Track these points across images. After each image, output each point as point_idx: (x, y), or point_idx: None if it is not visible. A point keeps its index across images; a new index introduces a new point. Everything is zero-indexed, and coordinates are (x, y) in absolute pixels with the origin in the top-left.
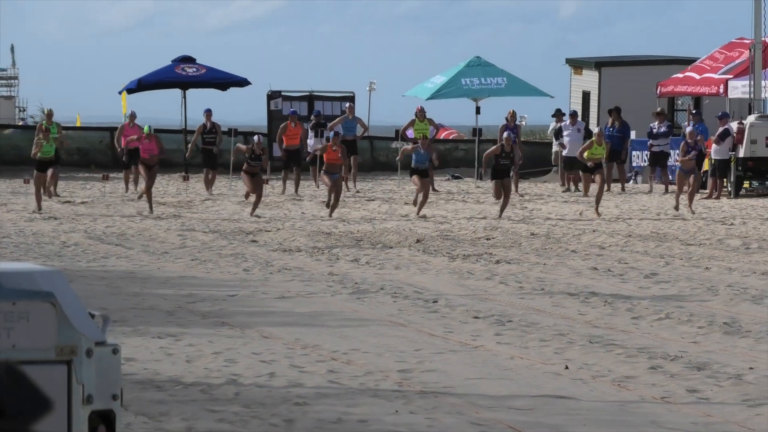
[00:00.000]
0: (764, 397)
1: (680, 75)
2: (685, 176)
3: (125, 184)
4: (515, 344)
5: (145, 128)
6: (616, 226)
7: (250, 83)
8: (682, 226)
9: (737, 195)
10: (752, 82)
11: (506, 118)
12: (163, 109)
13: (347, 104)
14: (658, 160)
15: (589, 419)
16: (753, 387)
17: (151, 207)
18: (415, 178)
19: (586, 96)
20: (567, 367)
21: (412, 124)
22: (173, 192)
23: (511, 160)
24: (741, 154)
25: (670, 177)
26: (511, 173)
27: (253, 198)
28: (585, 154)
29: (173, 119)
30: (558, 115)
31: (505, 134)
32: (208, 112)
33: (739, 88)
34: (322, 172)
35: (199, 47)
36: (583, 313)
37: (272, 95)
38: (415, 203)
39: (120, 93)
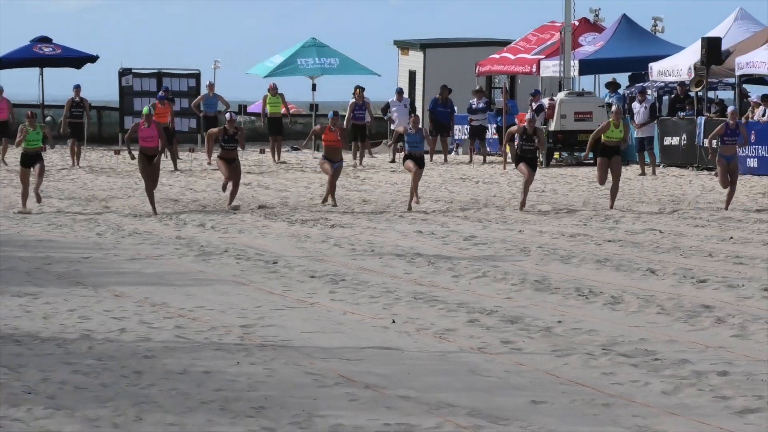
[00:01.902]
0: (571, 347)
1: (497, 56)
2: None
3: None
4: (347, 301)
5: (144, 109)
6: (439, 194)
7: (98, 57)
8: (498, 192)
9: (548, 165)
10: (562, 62)
11: (354, 95)
12: (21, 84)
13: (207, 82)
14: (477, 133)
15: (413, 368)
16: (561, 338)
17: (154, 209)
18: (408, 163)
19: (412, 75)
20: (394, 321)
21: (265, 99)
22: None
23: (534, 143)
24: (552, 127)
25: (488, 149)
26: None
27: (230, 189)
28: (602, 137)
29: (31, 95)
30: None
31: (528, 116)
32: (77, 88)
33: (550, 68)
34: (321, 158)
35: (57, 27)
36: (409, 272)
37: (123, 72)
38: (412, 194)
39: None
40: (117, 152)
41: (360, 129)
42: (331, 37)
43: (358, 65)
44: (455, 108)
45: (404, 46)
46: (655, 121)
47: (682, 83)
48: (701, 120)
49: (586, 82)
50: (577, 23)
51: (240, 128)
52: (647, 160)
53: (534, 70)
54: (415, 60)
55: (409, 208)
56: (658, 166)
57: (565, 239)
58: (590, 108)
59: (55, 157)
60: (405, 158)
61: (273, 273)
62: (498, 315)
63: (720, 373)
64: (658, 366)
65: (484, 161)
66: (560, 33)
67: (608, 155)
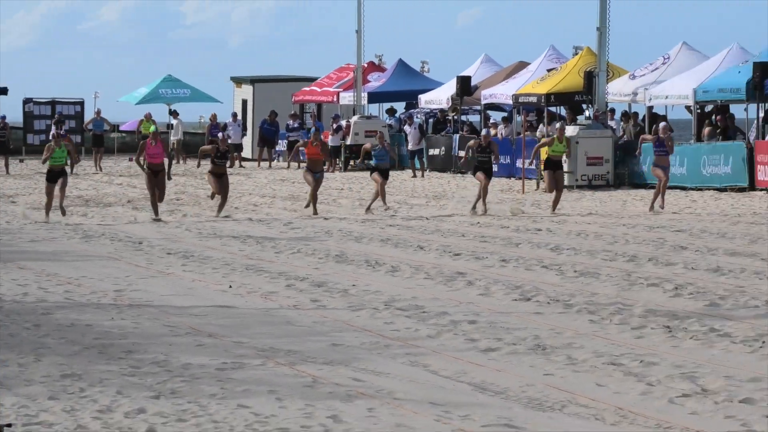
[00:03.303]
0: (362, 304)
1: (308, 88)
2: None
3: None
4: (196, 271)
5: (151, 128)
6: (266, 191)
7: (8, 89)
8: (308, 190)
9: (346, 170)
10: (355, 94)
11: (210, 119)
12: None
13: (97, 108)
14: (292, 146)
15: (244, 321)
16: (355, 297)
17: (156, 211)
18: (375, 175)
19: (244, 103)
20: (230, 286)
21: (141, 123)
22: None
23: (489, 154)
24: (348, 142)
25: (301, 158)
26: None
27: (218, 200)
28: (548, 151)
29: None
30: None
31: (483, 132)
32: (2, 118)
33: (347, 98)
34: (305, 169)
35: None
36: (242, 250)
37: (26, 101)
38: (379, 197)
39: None
40: (21, 161)
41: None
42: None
43: (205, 94)
44: (279, 127)
45: (238, 81)
46: (423, 138)
47: (442, 110)
48: (456, 137)
49: (373, 109)
50: (366, 65)
51: (230, 147)
52: (417, 166)
53: (335, 99)
54: (246, 91)
55: (367, 210)
56: (426, 170)
57: (358, 224)
58: (376, 127)
59: None
60: (372, 170)
61: (139, 251)
62: (308, 281)
63: (470, 322)
64: (424, 317)
65: (298, 167)
66: (354, 72)
67: (553, 168)
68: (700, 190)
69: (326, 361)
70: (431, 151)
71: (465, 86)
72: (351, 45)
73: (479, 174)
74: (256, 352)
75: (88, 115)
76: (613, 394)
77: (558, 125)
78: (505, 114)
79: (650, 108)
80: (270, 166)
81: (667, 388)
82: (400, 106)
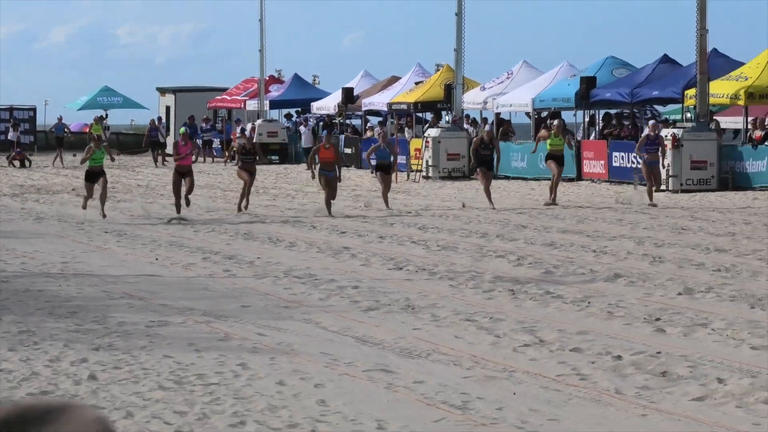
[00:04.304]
0: (265, 273)
1: (220, 97)
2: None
3: None
4: (128, 247)
5: (181, 129)
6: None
7: None
8: (222, 180)
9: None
10: (259, 102)
11: (150, 124)
12: None
13: (59, 115)
14: (210, 144)
15: (168, 287)
16: (259, 268)
17: (179, 209)
18: (379, 174)
19: (167, 109)
20: (156, 259)
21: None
22: None
23: (491, 150)
24: (255, 140)
25: (214, 153)
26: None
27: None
28: (548, 146)
29: None
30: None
31: (486, 128)
32: None
33: (252, 105)
34: (318, 170)
35: None
36: (167, 229)
37: None
38: (385, 199)
39: None
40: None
41: (160, 144)
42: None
43: (135, 102)
44: (197, 128)
45: (163, 91)
46: (315, 138)
47: (329, 115)
48: (342, 137)
49: (274, 114)
50: (267, 78)
51: (255, 145)
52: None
53: (242, 106)
54: (169, 100)
55: (381, 204)
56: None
57: (262, 208)
58: (276, 129)
59: None
60: (376, 168)
61: (81, 230)
62: (221, 254)
63: (354, 287)
64: (317, 283)
65: (213, 161)
66: (257, 84)
67: (555, 159)
68: (538, 180)
69: (236, 320)
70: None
71: (348, 96)
72: (255, 62)
73: (481, 169)
74: (178, 312)
75: (40, 119)
76: (468, 344)
77: (556, 122)
78: (380, 118)
79: (498, 114)
80: (204, 161)
81: (511, 339)
82: (296, 111)
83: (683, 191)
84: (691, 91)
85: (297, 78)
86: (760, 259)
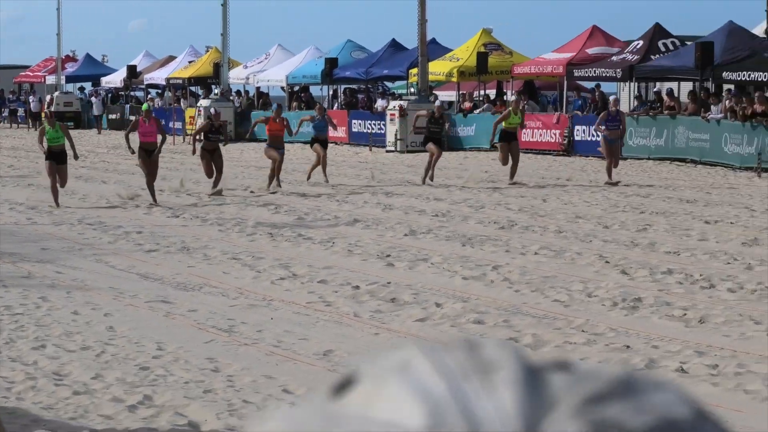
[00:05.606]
0: (62, 221)
1: (24, 73)
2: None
3: None
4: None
5: (144, 106)
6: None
7: None
8: (28, 143)
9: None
10: (57, 77)
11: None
12: None
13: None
14: (15, 112)
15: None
16: (57, 216)
17: (154, 199)
18: (316, 146)
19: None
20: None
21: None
22: None
23: (441, 126)
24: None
25: (28, 120)
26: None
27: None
28: (503, 124)
29: None
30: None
31: (437, 103)
32: None
33: (51, 79)
34: (266, 146)
35: None
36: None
37: None
38: (322, 170)
39: None
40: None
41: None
42: None
43: None
44: (5, 100)
45: None
46: (105, 107)
47: (116, 88)
48: (128, 106)
49: (69, 87)
50: (64, 57)
51: (223, 123)
52: (105, 126)
53: (43, 80)
54: None
55: (309, 178)
56: (105, 129)
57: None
58: (71, 100)
59: None
60: (312, 142)
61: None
62: (24, 205)
63: (138, 232)
64: (106, 229)
65: (18, 127)
66: (55, 62)
67: (508, 140)
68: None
69: (38, 260)
70: (110, 116)
71: (132, 72)
72: (53, 43)
73: (430, 145)
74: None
75: None
76: (234, 278)
77: (513, 98)
78: (159, 91)
79: (258, 88)
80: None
81: (270, 274)
82: (88, 85)
83: (409, 152)
84: (414, 70)
85: (89, 57)
86: (470, 206)
